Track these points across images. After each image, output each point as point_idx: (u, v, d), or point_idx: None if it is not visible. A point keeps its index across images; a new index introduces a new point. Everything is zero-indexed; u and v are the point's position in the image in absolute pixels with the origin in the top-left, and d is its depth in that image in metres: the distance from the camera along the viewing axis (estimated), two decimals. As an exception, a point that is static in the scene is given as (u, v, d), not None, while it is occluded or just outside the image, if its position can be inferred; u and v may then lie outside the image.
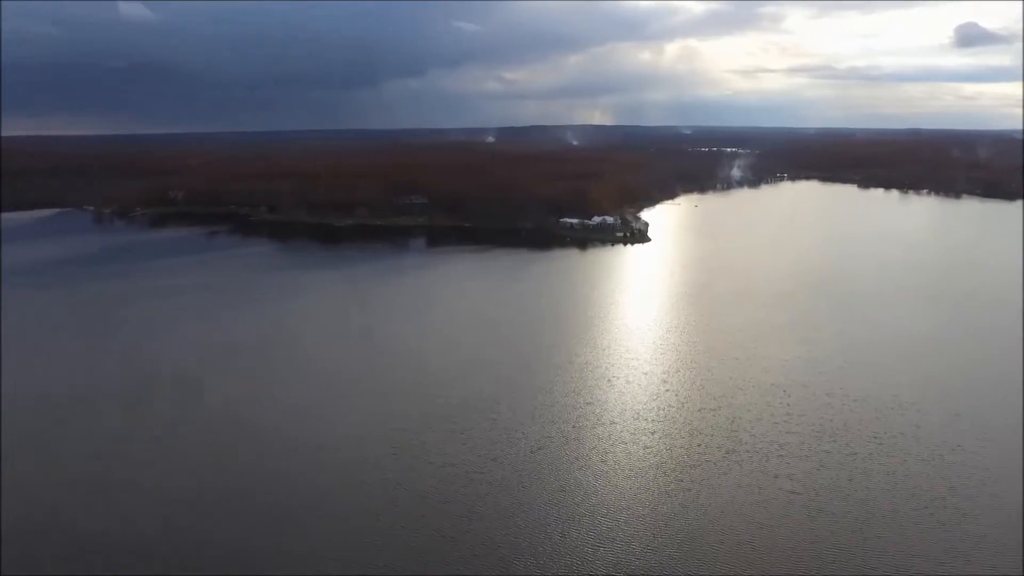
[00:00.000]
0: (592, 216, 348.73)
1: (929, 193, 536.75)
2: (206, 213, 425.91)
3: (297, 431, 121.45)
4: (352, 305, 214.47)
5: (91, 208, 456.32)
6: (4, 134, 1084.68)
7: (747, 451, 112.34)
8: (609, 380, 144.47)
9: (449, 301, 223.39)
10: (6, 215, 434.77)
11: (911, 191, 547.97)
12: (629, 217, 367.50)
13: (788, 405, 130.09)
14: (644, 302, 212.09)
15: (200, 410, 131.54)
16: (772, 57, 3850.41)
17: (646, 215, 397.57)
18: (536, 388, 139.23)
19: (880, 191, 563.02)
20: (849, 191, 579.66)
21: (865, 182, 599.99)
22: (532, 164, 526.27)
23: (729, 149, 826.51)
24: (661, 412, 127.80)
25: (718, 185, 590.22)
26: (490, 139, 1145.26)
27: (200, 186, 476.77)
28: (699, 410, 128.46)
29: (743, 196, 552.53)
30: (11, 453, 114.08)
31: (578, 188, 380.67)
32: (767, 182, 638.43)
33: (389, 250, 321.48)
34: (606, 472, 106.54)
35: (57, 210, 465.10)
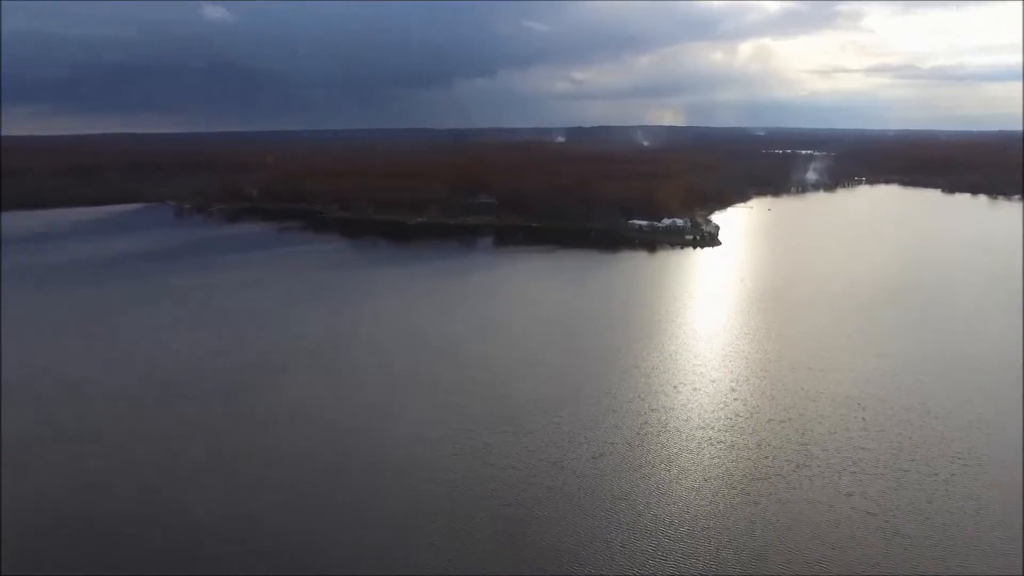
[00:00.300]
0: (661, 218, 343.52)
1: (1020, 198, 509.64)
2: (279, 209, 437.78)
3: (359, 427, 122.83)
4: (419, 303, 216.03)
5: (172, 203, 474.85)
6: (100, 132, 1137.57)
7: (819, 466, 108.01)
8: (675, 386, 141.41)
9: (515, 301, 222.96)
10: (95, 209, 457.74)
11: (1000, 196, 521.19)
12: (699, 220, 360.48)
13: (863, 419, 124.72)
14: (713, 307, 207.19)
15: (264, 403, 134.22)
16: (850, 56, 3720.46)
17: (717, 218, 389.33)
18: (600, 392, 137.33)
19: (966, 196, 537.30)
20: (932, 196, 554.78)
21: (950, 186, 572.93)
22: (601, 164, 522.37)
23: (804, 151, 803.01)
24: (728, 421, 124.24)
25: (792, 188, 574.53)
26: (559, 139, 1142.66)
27: (274, 183, 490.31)
28: (768, 421, 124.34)
29: (818, 200, 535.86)
30: (87, 437, 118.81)
31: (647, 189, 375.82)
32: (844, 186, 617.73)
33: (457, 249, 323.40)
34: (669, 481, 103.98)
35: (141, 204, 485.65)
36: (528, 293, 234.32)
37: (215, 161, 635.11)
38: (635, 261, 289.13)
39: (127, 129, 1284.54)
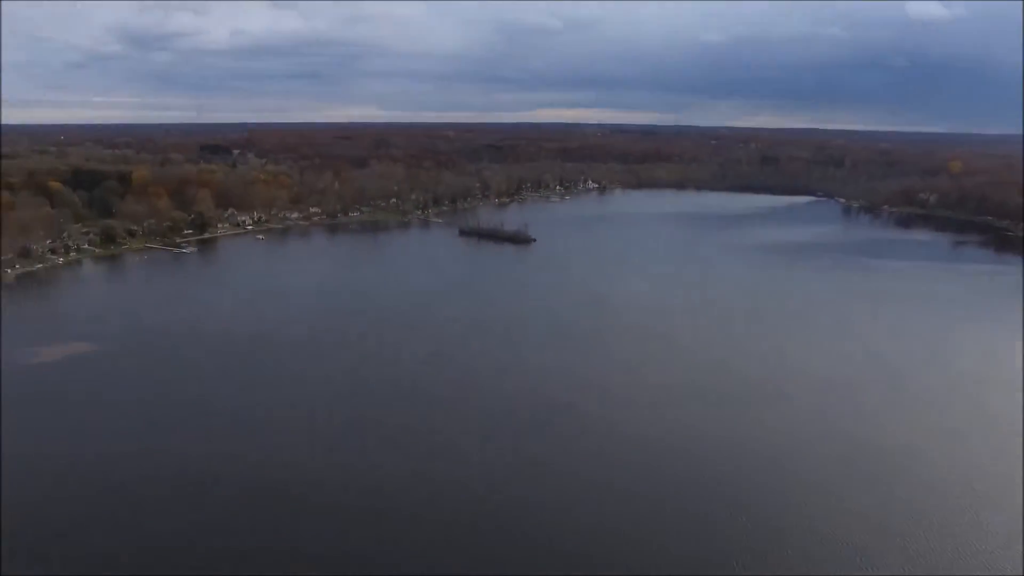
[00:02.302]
0: None
1: None
2: (957, 220, 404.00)
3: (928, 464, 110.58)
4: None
5: (840, 200, 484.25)
6: (789, 127, 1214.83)
7: None
8: None
9: None
10: (774, 198, 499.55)
11: None
12: None
13: None
14: None
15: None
16: None
17: None
18: None
19: None
20: None
21: None
22: None
23: None
24: None
25: None
26: None
27: (956, 190, 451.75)
28: None
29: None
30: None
31: None
32: None
33: None
34: None
35: (811, 198, 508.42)
36: None
37: (895, 161, 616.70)
38: None
39: (814, 125, 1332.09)
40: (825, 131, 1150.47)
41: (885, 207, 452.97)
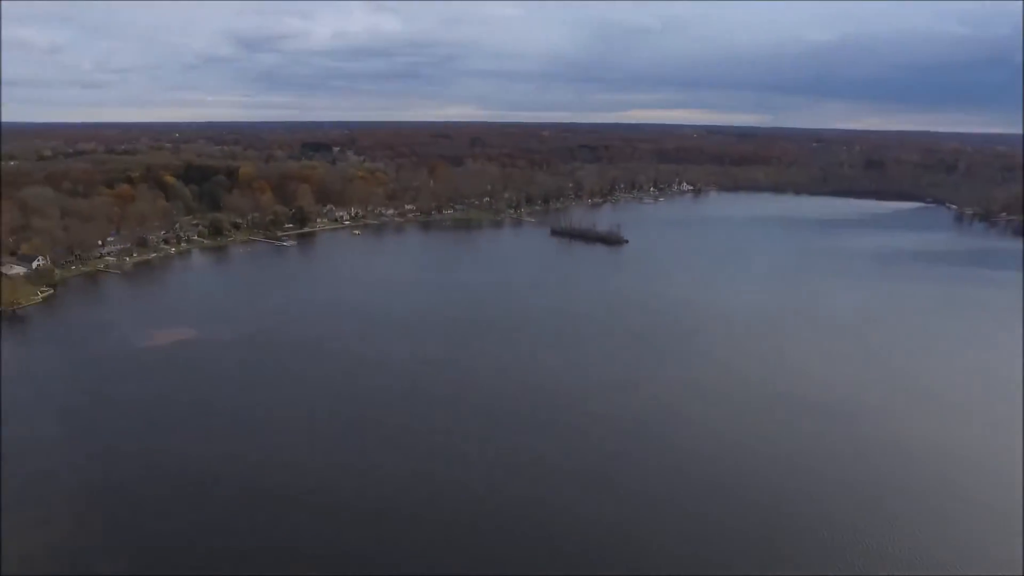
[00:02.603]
0: None
1: None
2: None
3: None
4: None
5: (952, 206, 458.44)
6: (896, 128, 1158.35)
7: None
8: None
9: None
10: (878, 203, 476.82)
11: None
12: None
13: None
14: None
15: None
16: None
17: None
18: None
19: None
20: None
21: None
22: None
23: None
24: None
25: None
26: None
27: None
28: None
29: None
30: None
31: None
32: None
33: None
34: None
35: (919, 204, 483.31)
36: None
37: (1014, 166, 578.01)
38: None
39: (925, 127, 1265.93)
40: (936, 133, 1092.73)
41: (1002, 215, 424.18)
